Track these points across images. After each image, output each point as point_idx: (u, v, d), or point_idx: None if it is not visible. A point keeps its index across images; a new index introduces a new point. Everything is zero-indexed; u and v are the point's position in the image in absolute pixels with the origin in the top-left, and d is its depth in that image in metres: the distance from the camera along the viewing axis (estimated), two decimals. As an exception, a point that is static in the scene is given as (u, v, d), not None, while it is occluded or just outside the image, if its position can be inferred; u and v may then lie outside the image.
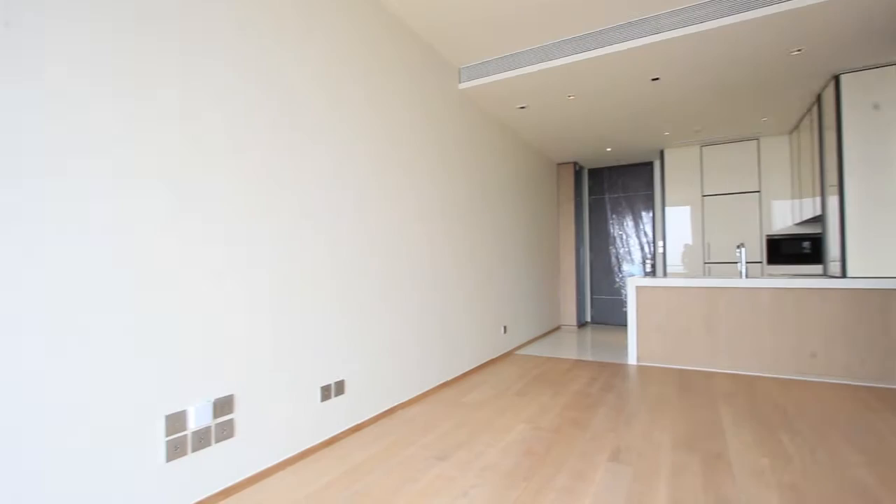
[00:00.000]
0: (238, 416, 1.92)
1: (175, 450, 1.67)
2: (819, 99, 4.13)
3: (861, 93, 3.57)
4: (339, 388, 2.45)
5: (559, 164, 6.85)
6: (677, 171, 6.08)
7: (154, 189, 1.63)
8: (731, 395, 3.26)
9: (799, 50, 3.30)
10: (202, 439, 1.76)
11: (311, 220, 2.30)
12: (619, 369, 4.07)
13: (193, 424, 1.73)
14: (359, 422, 2.60)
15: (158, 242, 1.64)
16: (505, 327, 4.75)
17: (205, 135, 1.81)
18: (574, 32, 3.35)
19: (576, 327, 6.66)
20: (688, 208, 6.02)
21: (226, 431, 1.85)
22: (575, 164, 6.79)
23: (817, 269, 5.12)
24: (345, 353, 2.50)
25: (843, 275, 3.61)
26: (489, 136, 4.55)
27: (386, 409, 2.84)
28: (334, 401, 2.42)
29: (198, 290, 1.76)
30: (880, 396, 3.17)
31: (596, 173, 7.30)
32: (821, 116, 4.08)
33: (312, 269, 2.29)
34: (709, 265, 5.85)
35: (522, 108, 4.41)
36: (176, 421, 1.67)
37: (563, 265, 6.77)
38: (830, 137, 3.83)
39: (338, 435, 2.44)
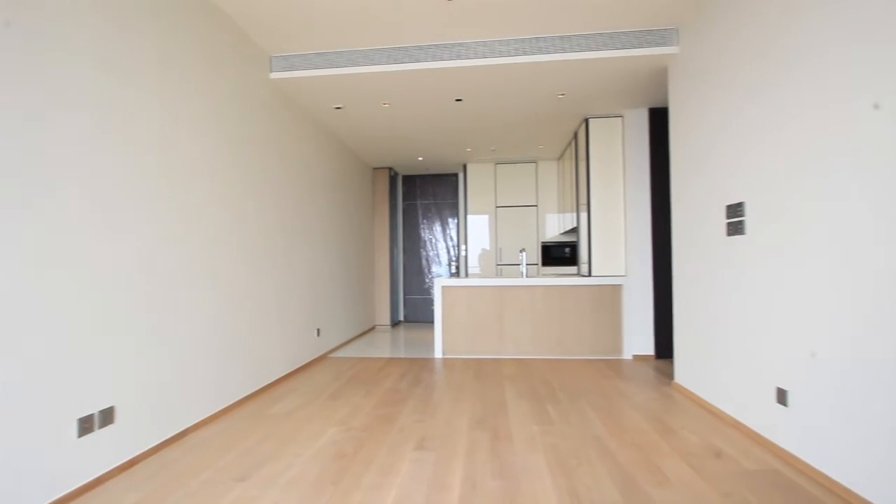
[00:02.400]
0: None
1: None
2: (576, 135, 5.22)
3: (602, 133, 4.66)
4: (106, 417, 2.03)
5: (375, 169, 7.02)
6: (477, 184, 6.89)
7: None
8: (514, 376, 3.85)
9: (563, 94, 4.12)
10: None
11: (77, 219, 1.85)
12: (427, 363, 4.39)
13: None
14: (135, 454, 2.19)
15: None
16: (318, 330, 4.63)
17: None
18: (390, 43, 3.50)
19: (390, 327, 6.91)
20: (486, 217, 6.88)
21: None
22: (390, 169, 7.05)
23: (574, 269, 6.45)
24: (114, 376, 2.08)
25: (590, 274, 4.64)
26: (305, 134, 4.38)
27: (174, 433, 2.46)
28: (98, 434, 1.99)
29: None
30: (612, 366, 4.19)
31: (409, 180, 7.72)
32: (576, 149, 5.17)
33: (74, 276, 1.84)
34: (500, 267, 6.80)
35: (339, 108, 4.38)
36: None
37: (378, 267, 6.96)
38: (582, 166, 4.88)
39: (104, 475, 2.01)
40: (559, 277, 4.69)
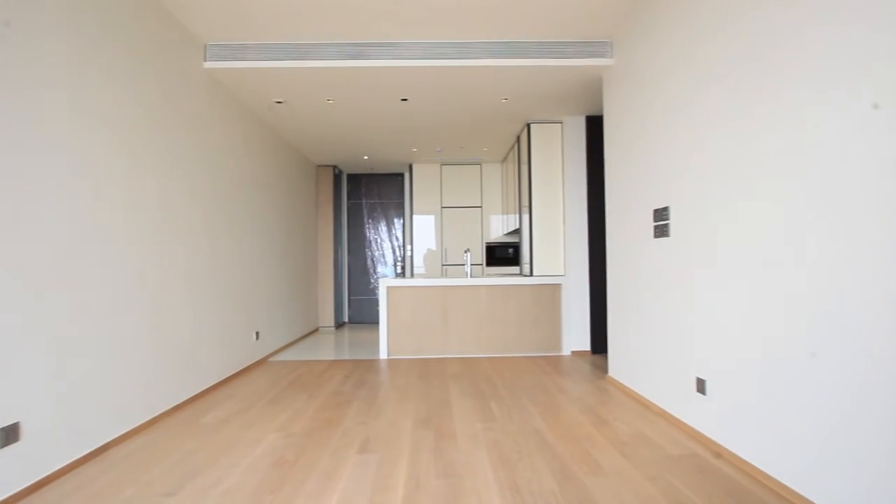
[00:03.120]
0: None
1: None
2: (518, 139, 5.38)
3: (543, 138, 4.83)
4: (10, 434, 1.83)
5: (319, 167, 6.84)
6: (423, 184, 6.91)
7: None
8: (459, 375, 3.91)
9: (505, 99, 4.23)
10: None
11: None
12: (371, 365, 4.35)
13: None
14: (46, 474, 2.00)
15: None
16: (258, 333, 4.44)
17: None
18: (334, 39, 3.43)
19: (334, 328, 6.76)
20: (432, 217, 6.91)
21: None
22: (335, 167, 6.90)
23: (517, 269, 6.64)
24: (18, 389, 1.89)
25: (531, 274, 4.80)
26: (245, 129, 4.18)
27: (93, 448, 2.27)
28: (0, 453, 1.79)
29: None
30: (551, 362, 4.36)
31: (355, 179, 7.59)
32: (519, 152, 5.33)
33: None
34: (446, 267, 6.87)
35: (280, 102, 4.23)
36: None
37: (322, 267, 6.78)
38: (524, 170, 5.04)
39: (7, 499, 1.81)
40: (502, 277, 4.81)
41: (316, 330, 6.65)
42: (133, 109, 2.63)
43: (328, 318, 6.77)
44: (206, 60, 3.46)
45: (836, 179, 1.58)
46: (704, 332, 2.37)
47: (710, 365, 2.33)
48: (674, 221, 2.66)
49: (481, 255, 6.91)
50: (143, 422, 2.66)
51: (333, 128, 5.05)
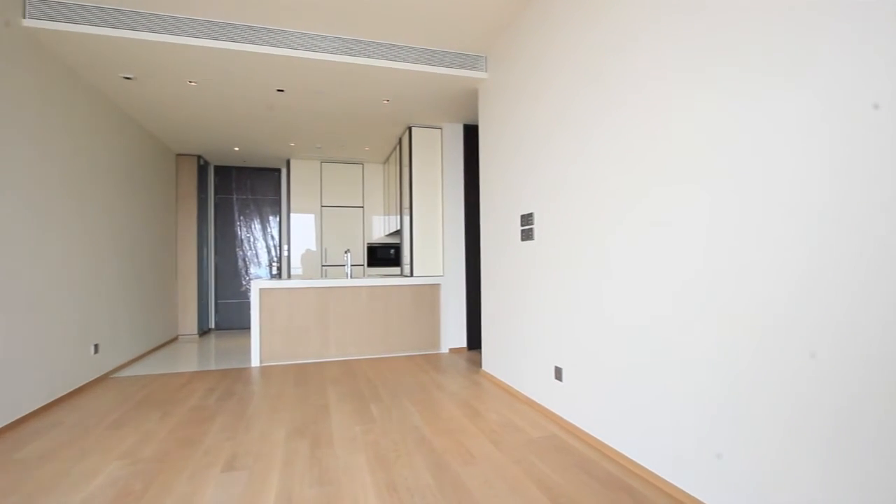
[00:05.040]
0: None
1: None
2: (400, 141, 5.45)
3: (424, 142, 4.95)
4: None
5: (180, 156, 6.10)
6: (302, 181, 6.59)
7: None
8: (338, 379, 3.82)
9: (387, 101, 4.25)
10: None
11: None
12: (242, 374, 4.02)
13: None
14: None
15: None
16: (97, 346, 3.80)
17: None
18: (199, 14, 3.09)
19: (197, 336, 6.09)
20: (311, 216, 6.63)
21: None
22: (199, 157, 6.22)
23: (399, 270, 6.71)
24: None
25: (412, 274, 4.89)
26: (80, 104, 3.54)
27: None
28: None
29: None
30: (430, 360, 4.49)
31: (224, 171, 6.93)
32: (401, 155, 5.39)
33: None
34: (325, 268, 6.64)
35: (129, 78, 3.68)
36: None
37: (183, 268, 6.06)
38: (406, 172, 5.12)
39: None
40: (384, 278, 4.82)
41: (175, 339, 5.92)
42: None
43: (190, 324, 6.07)
44: (25, 17, 2.86)
45: (666, 184, 1.91)
46: (560, 325, 2.67)
47: (564, 355, 2.63)
48: (538, 226, 2.94)
49: (363, 256, 6.83)
50: (-75, 466, 2.11)
51: (198, 113, 4.56)
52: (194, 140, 5.50)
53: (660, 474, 1.92)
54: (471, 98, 4.19)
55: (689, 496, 1.77)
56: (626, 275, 2.11)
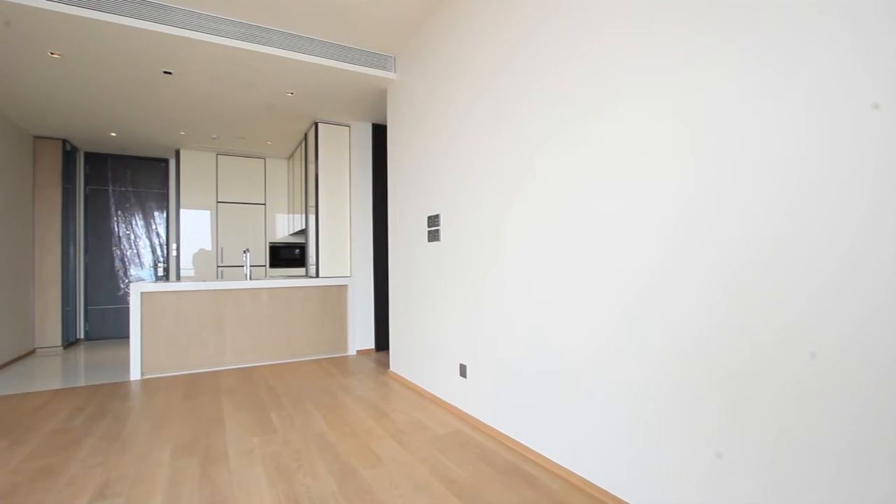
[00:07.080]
0: None
1: None
2: (306, 137, 5.23)
3: (331, 139, 4.80)
4: None
5: (39, 139, 5.24)
6: (194, 174, 6.02)
7: None
8: (234, 388, 3.56)
9: (292, 93, 4.06)
10: None
11: None
12: (118, 389, 3.57)
13: None
14: None
15: None
16: (-83, 368, 3.12)
17: None
18: (59, -19, 2.68)
19: (61, 348, 5.27)
20: (207, 212, 6.08)
21: None
22: (65, 142, 5.39)
23: (304, 270, 6.43)
24: None
25: (318, 275, 4.72)
26: None
27: None
28: None
29: None
30: (337, 363, 4.38)
31: (97, 159, 6.08)
32: (306, 151, 5.18)
33: None
34: (222, 269, 6.14)
35: (-36, 47, 3.08)
36: None
37: (43, 269, 5.22)
38: (311, 169, 4.93)
39: None
40: (287, 279, 4.59)
41: (31, 352, 5.08)
42: None
43: (52, 335, 5.24)
44: None
45: (557, 188, 2.06)
46: (464, 323, 2.76)
47: (468, 352, 2.72)
48: (444, 227, 3.01)
49: (265, 256, 6.43)
50: None
51: (62, 90, 3.94)
52: (58, 121, 4.76)
53: (553, 459, 2.07)
54: (380, 97, 4.15)
55: (580, 478, 1.94)
56: (521, 274, 2.25)
